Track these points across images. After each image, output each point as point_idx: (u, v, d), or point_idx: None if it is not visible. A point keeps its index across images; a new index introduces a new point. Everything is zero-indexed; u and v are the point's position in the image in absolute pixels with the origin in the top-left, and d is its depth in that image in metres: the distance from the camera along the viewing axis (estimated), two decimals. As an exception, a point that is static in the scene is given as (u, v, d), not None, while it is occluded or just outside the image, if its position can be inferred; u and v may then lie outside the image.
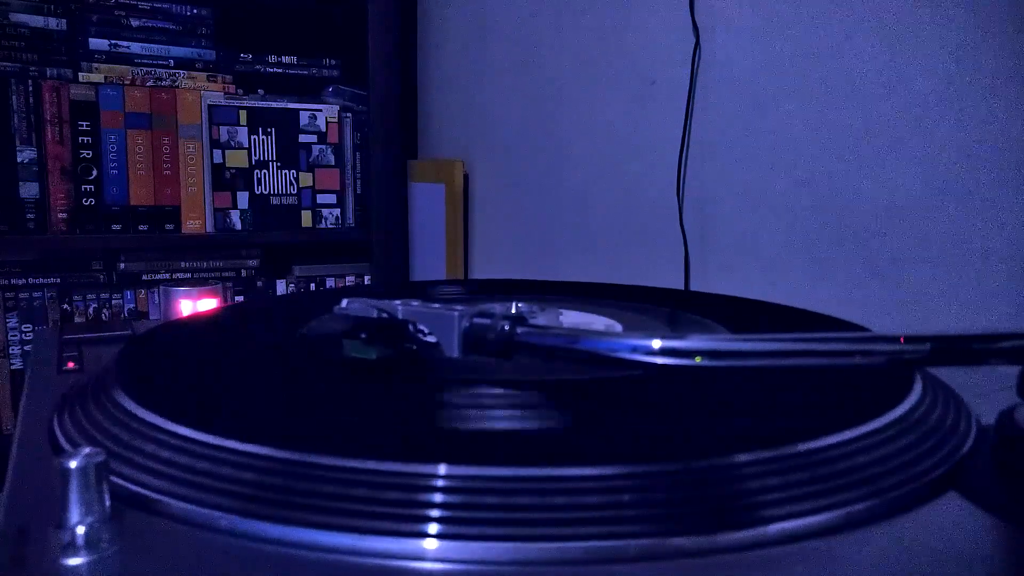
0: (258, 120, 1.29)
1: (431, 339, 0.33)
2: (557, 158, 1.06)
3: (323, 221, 1.36)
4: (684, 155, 0.84)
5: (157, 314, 1.27)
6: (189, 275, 1.30)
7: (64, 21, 1.21)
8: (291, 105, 1.32)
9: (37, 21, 1.19)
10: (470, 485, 0.23)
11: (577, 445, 0.26)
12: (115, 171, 1.21)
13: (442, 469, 0.23)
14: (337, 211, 1.37)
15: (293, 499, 0.23)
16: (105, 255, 1.26)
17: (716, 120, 0.81)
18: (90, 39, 1.22)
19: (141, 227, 1.24)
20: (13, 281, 1.20)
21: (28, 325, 1.20)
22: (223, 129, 1.27)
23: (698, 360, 0.26)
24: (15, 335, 1.20)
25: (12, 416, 1.21)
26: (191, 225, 1.27)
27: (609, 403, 0.30)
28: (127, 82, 1.24)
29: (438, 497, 0.22)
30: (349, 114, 1.36)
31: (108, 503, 0.21)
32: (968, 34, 0.58)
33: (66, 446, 0.29)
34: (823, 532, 0.23)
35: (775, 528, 0.22)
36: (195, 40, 1.29)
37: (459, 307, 0.32)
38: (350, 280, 1.40)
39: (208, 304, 0.58)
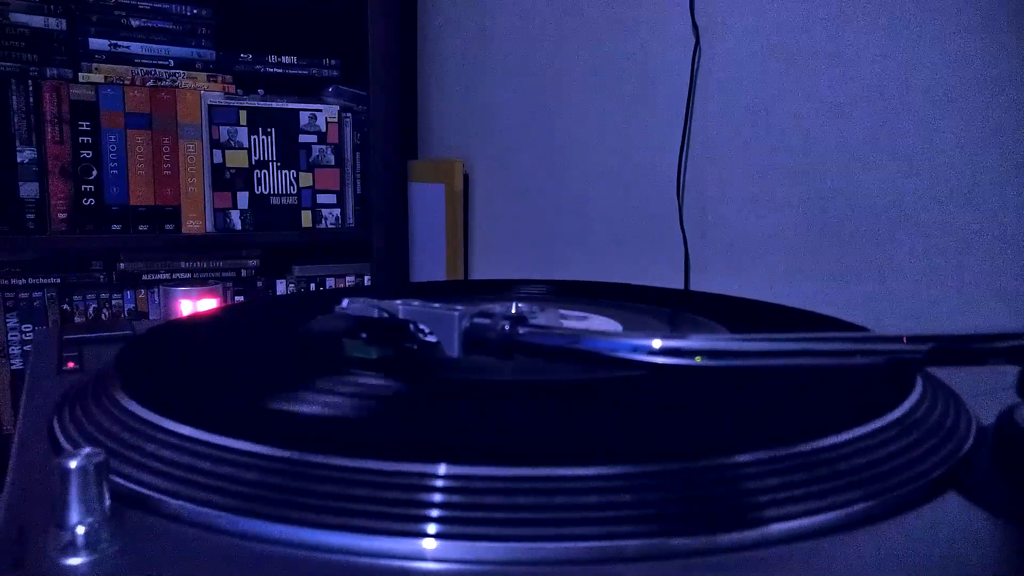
0: (258, 120, 1.29)
1: (431, 339, 0.33)
2: (557, 158, 1.06)
3: (323, 221, 1.36)
4: (684, 155, 0.84)
5: (157, 314, 1.27)
6: (189, 275, 1.30)
7: (64, 21, 1.21)
8: (291, 105, 1.32)
9: (37, 21, 1.19)
10: (469, 485, 0.23)
11: (577, 445, 0.26)
12: (115, 171, 1.21)
13: (442, 469, 0.23)
14: (337, 211, 1.37)
15: (293, 499, 0.23)
16: (105, 255, 1.26)
17: (716, 120, 0.81)
18: (90, 39, 1.22)
19: (141, 227, 1.24)
20: (13, 281, 1.20)
21: (28, 325, 1.21)
22: (223, 129, 1.27)
23: (698, 360, 0.26)
24: (15, 335, 1.20)
25: (12, 416, 1.21)
26: (191, 225, 1.27)
27: (609, 403, 0.30)
28: (127, 82, 1.24)
29: (437, 497, 0.22)
30: (349, 114, 1.36)
31: (108, 503, 0.21)
32: (971, 33, 0.58)
33: (66, 446, 0.29)
34: (823, 532, 0.23)
35: (775, 528, 0.22)
36: (195, 40, 1.29)
37: (459, 307, 0.32)
38: (350, 280, 1.40)
39: (208, 304, 0.58)
